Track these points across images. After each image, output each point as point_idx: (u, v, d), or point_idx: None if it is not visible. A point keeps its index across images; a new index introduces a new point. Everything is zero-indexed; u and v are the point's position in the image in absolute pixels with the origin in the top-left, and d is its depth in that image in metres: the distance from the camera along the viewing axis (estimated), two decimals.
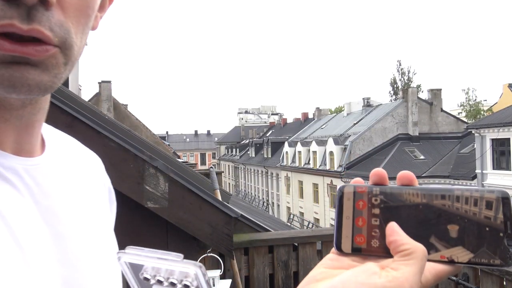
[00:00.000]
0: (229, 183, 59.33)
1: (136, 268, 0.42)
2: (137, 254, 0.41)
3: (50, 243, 0.47)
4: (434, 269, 0.41)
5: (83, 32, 0.45)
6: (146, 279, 0.41)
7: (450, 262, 0.41)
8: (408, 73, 46.35)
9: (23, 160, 0.48)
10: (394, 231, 0.42)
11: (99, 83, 19.88)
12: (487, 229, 0.40)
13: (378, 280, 0.37)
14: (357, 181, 0.47)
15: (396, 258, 0.40)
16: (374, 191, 0.44)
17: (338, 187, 0.46)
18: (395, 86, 46.53)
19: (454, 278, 2.41)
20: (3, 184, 0.44)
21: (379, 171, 0.46)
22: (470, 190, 0.42)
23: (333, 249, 0.45)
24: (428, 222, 0.42)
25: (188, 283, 0.40)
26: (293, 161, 36.96)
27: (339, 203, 0.45)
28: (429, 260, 0.41)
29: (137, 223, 2.63)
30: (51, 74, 0.42)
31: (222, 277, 2.70)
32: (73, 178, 0.56)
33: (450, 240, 0.41)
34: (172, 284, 0.40)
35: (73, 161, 0.59)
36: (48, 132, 0.58)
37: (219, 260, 2.67)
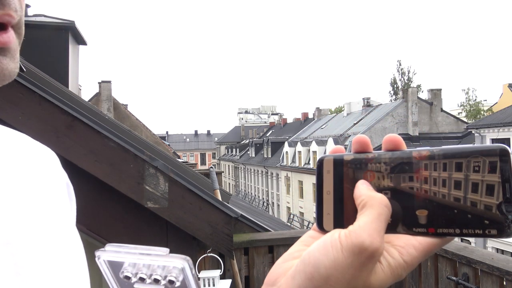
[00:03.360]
0: (229, 183, 59.32)
1: (116, 267, 0.39)
2: (118, 251, 0.39)
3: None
4: (421, 244, 0.38)
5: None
6: (127, 277, 0.38)
7: (439, 234, 0.36)
8: (408, 73, 46.36)
9: None
10: (356, 188, 0.39)
11: (99, 83, 19.89)
12: (481, 193, 0.34)
13: (337, 240, 0.35)
14: (338, 149, 0.43)
15: (358, 214, 0.38)
16: (355, 161, 0.40)
17: (317, 159, 0.42)
18: (395, 86, 46.53)
19: (454, 278, 2.41)
20: None
21: (360, 138, 0.41)
22: (461, 149, 0.35)
23: (314, 225, 0.42)
24: (413, 191, 0.37)
25: (173, 279, 0.38)
26: (293, 161, 36.95)
27: (318, 176, 0.41)
28: (415, 234, 0.37)
29: (137, 223, 2.63)
30: (16, 60, 0.42)
31: (222, 277, 2.70)
32: (19, 178, 0.50)
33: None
34: (156, 280, 0.38)
35: (20, 159, 0.52)
36: None
37: (219, 260, 2.67)
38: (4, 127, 0.55)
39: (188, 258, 0.38)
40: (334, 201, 0.40)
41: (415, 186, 0.37)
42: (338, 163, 0.40)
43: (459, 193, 0.35)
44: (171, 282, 0.38)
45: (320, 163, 0.41)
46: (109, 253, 0.39)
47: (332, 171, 0.40)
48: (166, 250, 0.38)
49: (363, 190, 0.38)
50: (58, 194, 0.56)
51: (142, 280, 0.38)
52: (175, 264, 0.38)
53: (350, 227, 0.36)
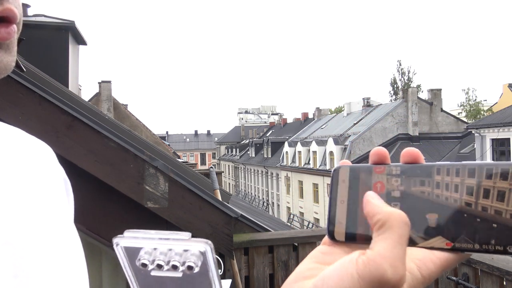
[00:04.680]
0: (229, 183, 59.30)
1: (133, 254, 0.38)
2: (136, 237, 0.38)
3: None
4: (438, 259, 0.35)
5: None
6: (144, 265, 0.37)
7: (458, 249, 0.35)
8: (408, 73, 46.35)
9: None
10: (367, 202, 0.36)
11: (99, 83, 19.88)
12: (505, 209, 0.33)
13: (354, 268, 0.32)
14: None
15: (373, 234, 0.34)
16: (371, 171, 0.39)
17: (333, 168, 0.41)
18: (395, 86, 46.52)
19: (454, 278, 2.41)
20: None
21: (379, 150, 0.39)
22: (487, 165, 0.35)
23: (325, 239, 0.40)
24: (432, 203, 0.36)
25: (192, 264, 0.37)
26: (293, 161, 36.94)
27: (332, 185, 0.40)
28: (433, 248, 0.36)
29: (137, 223, 2.63)
30: (13, 54, 0.42)
31: (222, 277, 2.70)
32: (16, 175, 0.49)
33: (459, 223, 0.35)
34: (174, 267, 0.37)
35: (15, 155, 0.51)
36: None
37: (219, 260, 2.67)
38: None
39: (209, 241, 0.37)
40: (348, 211, 0.39)
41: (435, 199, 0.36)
42: (354, 172, 0.40)
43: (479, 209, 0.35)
44: (190, 267, 0.37)
45: (336, 171, 0.40)
46: (127, 239, 0.38)
47: (348, 181, 0.39)
48: (188, 234, 0.37)
49: (378, 206, 0.35)
50: (55, 190, 0.55)
51: (159, 267, 0.37)
52: (197, 248, 0.37)
53: (369, 253, 0.33)
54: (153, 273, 0.38)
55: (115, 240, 0.38)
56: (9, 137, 0.53)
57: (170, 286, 0.38)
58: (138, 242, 0.38)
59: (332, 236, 0.39)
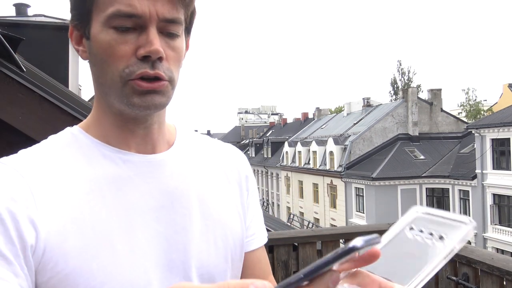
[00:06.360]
0: None
1: (411, 221, 0.48)
2: (428, 213, 0.48)
3: (154, 211, 0.71)
4: None
5: (178, 70, 0.74)
6: (411, 228, 0.47)
7: None
8: (408, 73, 46.38)
9: (142, 156, 0.74)
10: None
11: None
12: None
13: None
14: None
15: None
16: None
17: None
18: (395, 86, 46.55)
19: (454, 278, 2.41)
20: (117, 168, 0.72)
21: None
22: None
23: None
24: None
25: (443, 235, 0.45)
26: (293, 161, 36.95)
27: None
28: None
29: None
30: (165, 97, 0.71)
31: None
32: (194, 166, 0.80)
33: None
34: (431, 234, 0.46)
35: (200, 154, 0.83)
36: (184, 135, 0.85)
37: None
38: (202, 136, 0.89)
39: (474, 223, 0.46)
40: None
41: None
42: None
43: None
44: (441, 237, 0.45)
45: None
46: (423, 213, 0.49)
47: None
48: (468, 221, 0.46)
49: None
50: (228, 180, 0.84)
51: (421, 231, 0.47)
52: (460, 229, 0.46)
53: None
54: (413, 233, 0.47)
55: (415, 208, 0.50)
56: (202, 145, 0.86)
57: (415, 249, 0.46)
58: (426, 217, 0.48)
59: None
